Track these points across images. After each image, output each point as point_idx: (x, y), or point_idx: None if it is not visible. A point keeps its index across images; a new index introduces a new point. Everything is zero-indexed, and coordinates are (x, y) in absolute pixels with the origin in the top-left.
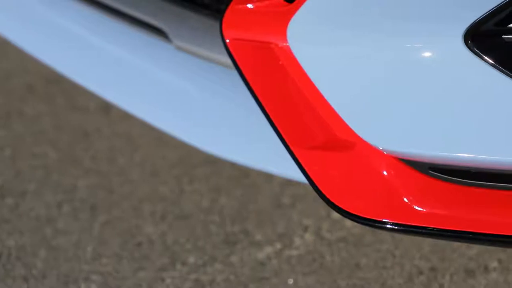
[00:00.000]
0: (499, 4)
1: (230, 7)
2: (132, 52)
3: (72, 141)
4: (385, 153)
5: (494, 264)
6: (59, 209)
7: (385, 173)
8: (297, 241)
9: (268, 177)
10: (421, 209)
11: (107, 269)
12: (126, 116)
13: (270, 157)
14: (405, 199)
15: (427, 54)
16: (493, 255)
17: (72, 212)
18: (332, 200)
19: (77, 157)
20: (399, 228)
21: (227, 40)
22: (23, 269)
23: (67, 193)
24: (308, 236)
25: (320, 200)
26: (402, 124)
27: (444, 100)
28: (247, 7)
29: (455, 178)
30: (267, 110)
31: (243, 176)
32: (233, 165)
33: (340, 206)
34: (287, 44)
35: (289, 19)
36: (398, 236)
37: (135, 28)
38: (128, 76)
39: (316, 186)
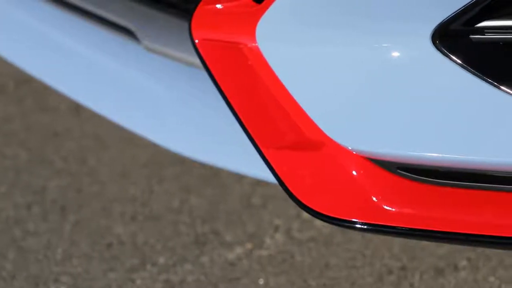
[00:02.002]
0: (467, 4)
1: (199, 7)
2: (101, 53)
3: (42, 142)
4: (354, 153)
5: (464, 262)
6: (29, 210)
7: (354, 173)
8: (268, 241)
9: (239, 177)
10: (390, 209)
11: (77, 270)
12: (96, 117)
13: (239, 157)
14: (374, 199)
15: (395, 53)
16: (463, 254)
17: (42, 213)
18: (302, 200)
19: (47, 158)
20: (368, 227)
21: (196, 41)
22: None
23: (37, 194)
24: (279, 236)
25: (291, 200)
26: (371, 123)
27: (412, 100)
28: (216, 7)
29: (424, 178)
30: (237, 110)
31: (213, 176)
32: (203, 165)
33: (310, 206)
34: (256, 44)
35: (258, 19)
36: (368, 235)
37: (104, 28)
38: (97, 77)
39: (286, 186)
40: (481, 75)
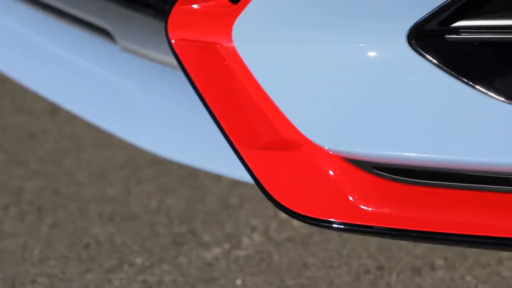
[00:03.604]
0: (442, 3)
1: (175, 7)
2: (77, 53)
3: (19, 143)
4: (330, 152)
5: (440, 262)
6: (6, 212)
7: (331, 172)
8: (245, 241)
9: (216, 178)
10: (367, 208)
11: (54, 271)
12: (73, 118)
13: (216, 157)
14: (351, 199)
15: (371, 53)
16: (439, 253)
17: (19, 215)
18: (279, 200)
19: (24, 159)
20: (345, 227)
21: (173, 41)
22: None
23: (13, 195)
24: (256, 236)
25: (268, 201)
26: (347, 123)
27: (388, 100)
28: (192, 7)
29: (400, 177)
30: (213, 111)
31: (191, 176)
32: (180, 166)
33: (287, 206)
34: (233, 44)
35: (234, 20)
36: (346, 235)
37: (80, 28)
38: (73, 77)
39: (263, 186)
40: (456, 75)
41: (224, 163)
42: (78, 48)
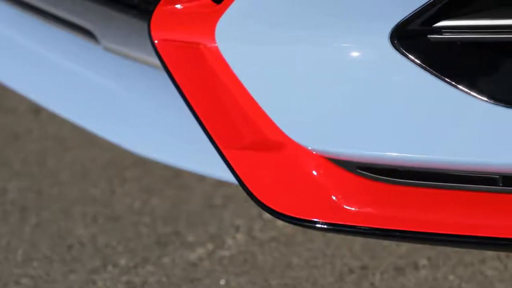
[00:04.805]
0: (425, 3)
1: (158, 7)
2: (59, 53)
3: (2, 144)
4: (314, 153)
5: (424, 261)
6: None
7: (314, 172)
8: (229, 241)
9: (200, 178)
10: (350, 208)
11: (37, 272)
12: (56, 118)
13: (200, 158)
14: (335, 198)
15: (354, 53)
16: (423, 253)
17: (2, 215)
18: (262, 201)
19: (7, 159)
20: (329, 227)
21: (156, 41)
22: None
23: None
24: (240, 237)
25: (252, 201)
26: (330, 123)
27: (371, 100)
28: (176, 7)
29: (384, 177)
30: (196, 111)
31: (174, 176)
32: (164, 166)
33: (270, 206)
34: (216, 44)
35: (217, 20)
36: (329, 235)
37: (62, 29)
38: (56, 78)
39: (246, 187)
40: (439, 75)
41: (207, 163)
42: (61, 48)
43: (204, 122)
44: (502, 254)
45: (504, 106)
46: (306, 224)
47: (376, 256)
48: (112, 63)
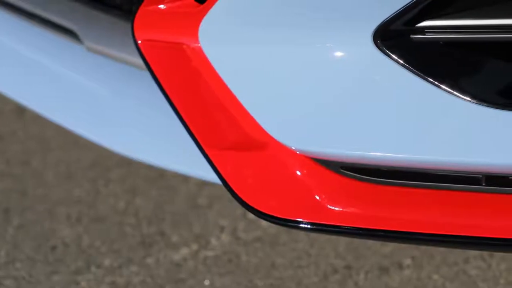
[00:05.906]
0: (408, 3)
1: (141, 8)
2: (43, 54)
3: None
4: (297, 152)
5: (408, 261)
6: None
7: (298, 172)
8: (213, 241)
9: (185, 178)
10: (334, 208)
11: (20, 273)
12: (40, 119)
13: (184, 158)
14: (318, 198)
15: (337, 53)
16: (407, 252)
17: None
18: (246, 201)
19: None
20: (313, 227)
21: (139, 41)
22: None
23: None
24: (224, 237)
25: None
26: (313, 123)
27: (354, 100)
28: (159, 8)
29: (367, 177)
30: (180, 111)
31: (159, 177)
32: (148, 166)
33: (254, 206)
34: (199, 44)
35: (200, 20)
36: (313, 235)
37: (46, 29)
38: (39, 78)
39: (230, 187)
40: (422, 75)
41: (191, 163)
42: (43, 49)
43: (187, 122)
44: (486, 253)
45: (486, 106)
46: (290, 224)
47: (361, 255)
48: (95, 63)
